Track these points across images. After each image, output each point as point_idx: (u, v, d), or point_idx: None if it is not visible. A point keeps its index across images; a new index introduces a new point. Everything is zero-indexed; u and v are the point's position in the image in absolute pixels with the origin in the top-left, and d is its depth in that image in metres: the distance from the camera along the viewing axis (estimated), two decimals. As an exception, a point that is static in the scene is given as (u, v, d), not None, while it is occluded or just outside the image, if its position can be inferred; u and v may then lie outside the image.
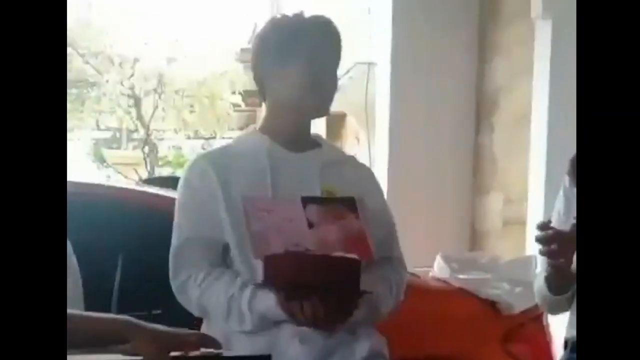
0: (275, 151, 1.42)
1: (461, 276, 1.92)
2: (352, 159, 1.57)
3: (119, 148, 13.11)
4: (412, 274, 2.03)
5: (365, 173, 1.54)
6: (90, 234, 1.84)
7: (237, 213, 1.30)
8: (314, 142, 1.49)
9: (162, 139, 12.29)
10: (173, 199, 1.72)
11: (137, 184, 2.88)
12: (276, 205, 1.31)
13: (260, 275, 1.23)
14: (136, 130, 11.30)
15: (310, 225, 1.31)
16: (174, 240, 1.38)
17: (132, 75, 10.31)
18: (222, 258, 1.37)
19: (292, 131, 1.43)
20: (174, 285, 1.36)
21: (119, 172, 11.83)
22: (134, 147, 12.31)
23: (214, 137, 11.80)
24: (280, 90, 1.41)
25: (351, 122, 8.42)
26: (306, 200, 1.34)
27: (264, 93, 1.45)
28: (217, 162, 1.41)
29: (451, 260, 1.99)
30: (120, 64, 10.40)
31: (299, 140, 1.45)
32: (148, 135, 10.71)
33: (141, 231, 1.97)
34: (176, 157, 13.48)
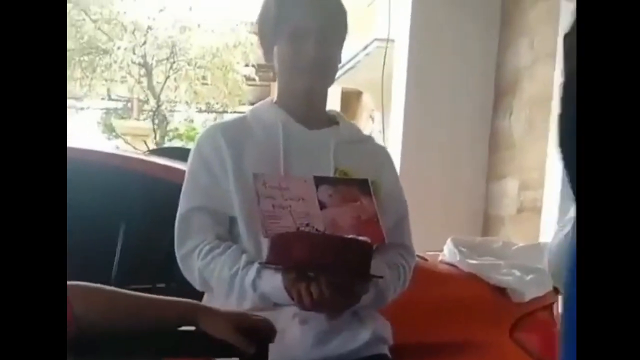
0: (290, 126, 1.42)
1: (471, 261, 1.91)
2: (370, 139, 1.57)
3: (129, 118, 13.11)
4: (420, 257, 2.04)
5: (382, 155, 1.54)
6: (91, 202, 1.86)
7: (247, 188, 1.31)
8: (332, 120, 1.49)
9: (173, 111, 12.24)
10: (179, 170, 1.76)
11: (143, 154, 2.88)
12: (288, 184, 1.32)
13: (266, 254, 1.25)
14: (147, 100, 11.26)
15: (322, 205, 1.32)
16: (181, 208, 1.39)
17: (144, 43, 10.24)
18: (229, 232, 1.38)
19: (305, 107, 1.43)
20: (179, 254, 1.37)
21: (127, 143, 11.86)
22: (144, 118, 12.27)
23: (226, 111, 11.77)
24: (277, 59, 1.42)
25: (367, 101, 8.38)
26: (319, 180, 1.35)
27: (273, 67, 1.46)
28: (230, 133, 1.41)
29: (461, 244, 1.99)
30: (133, 32, 10.33)
31: (315, 117, 1.45)
32: (159, 105, 10.67)
33: (145, 201, 1.97)
34: (187, 129, 13.42)
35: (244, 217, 1.35)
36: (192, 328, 1.05)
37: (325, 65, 1.40)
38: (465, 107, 4.36)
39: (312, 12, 1.38)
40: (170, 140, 13.17)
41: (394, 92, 4.82)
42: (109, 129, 14.04)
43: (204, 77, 10.98)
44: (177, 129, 13.26)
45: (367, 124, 8.56)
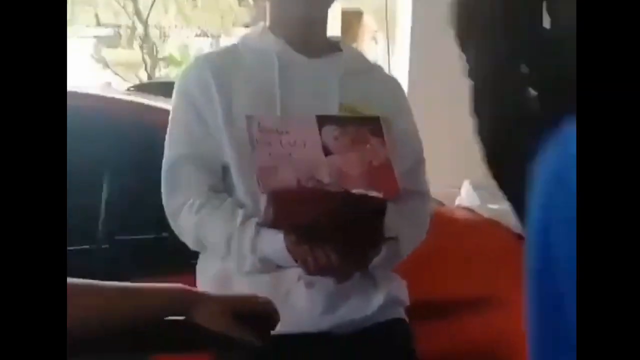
0: (287, 55, 1.22)
1: (492, 206, 1.74)
2: (378, 68, 1.36)
3: (118, 47, 12.66)
4: (437, 201, 1.86)
5: (393, 87, 1.34)
6: (70, 150, 1.68)
7: (240, 131, 1.13)
8: (333, 46, 1.29)
9: (165, 37, 11.79)
10: (167, 111, 1.57)
11: (127, 91, 2.66)
12: (286, 126, 1.13)
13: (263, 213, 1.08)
14: (134, 27, 10.81)
15: (327, 151, 1.14)
16: (166, 157, 1.21)
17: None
18: (223, 181, 1.21)
19: (303, 32, 1.23)
20: (167, 210, 1.20)
21: (117, 75, 11.47)
22: (136, 46, 11.84)
23: (219, 36, 11.33)
24: None
25: (368, 21, 8.03)
26: (322, 120, 1.16)
27: None
28: (218, 66, 1.21)
29: (481, 187, 1.82)
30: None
31: (315, 43, 1.25)
32: (146, 33, 10.23)
33: (129, 147, 1.80)
34: (183, 56, 12.98)
35: (237, 166, 1.17)
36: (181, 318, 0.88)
37: None
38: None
39: None
40: (166, 67, 12.78)
41: (399, 11, 4.53)
42: (102, 60, 13.63)
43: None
44: (171, 56, 12.78)
45: (370, 47, 8.25)
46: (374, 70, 1.33)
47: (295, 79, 1.21)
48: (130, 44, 12.31)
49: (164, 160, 1.21)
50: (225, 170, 1.19)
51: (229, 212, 1.15)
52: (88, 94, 1.94)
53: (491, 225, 1.73)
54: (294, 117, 1.15)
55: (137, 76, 10.58)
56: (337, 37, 1.32)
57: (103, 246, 1.76)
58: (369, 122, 1.19)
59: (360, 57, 1.33)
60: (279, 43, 1.22)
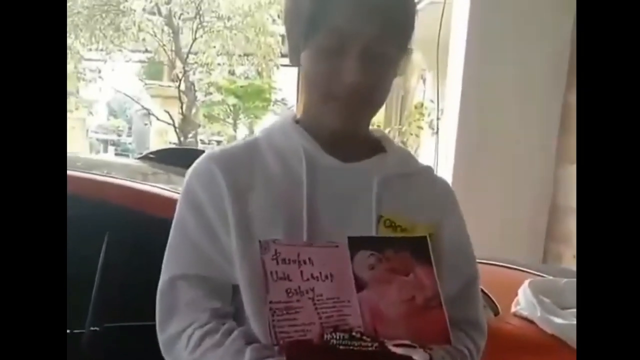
0: (318, 157, 1.04)
1: (556, 320, 1.48)
2: (427, 171, 1.16)
3: (160, 79, 12.90)
4: (489, 304, 1.63)
5: (443, 192, 1.15)
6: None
7: (254, 249, 0.95)
8: (375, 146, 1.11)
9: (210, 71, 11.84)
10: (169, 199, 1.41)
11: (139, 160, 2.54)
12: (310, 254, 0.95)
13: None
14: (173, 65, 10.96)
15: (360, 284, 0.95)
16: (164, 274, 1.04)
17: (169, 2, 9.90)
18: (232, 303, 1.03)
19: (339, 133, 1.04)
20: (161, 338, 1.03)
21: (149, 114, 11.48)
22: (174, 81, 12.01)
23: (261, 65, 11.33)
24: (303, 70, 1.02)
25: (417, 59, 7.87)
26: (356, 244, 0.97)
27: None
28: (233, 167, 1.04)
29: (543, 291, 1.57)
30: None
31: (352, 144, 1.07)
32: (185, 70, 10.32)
33: (126, 233, 1.68)
34: (228, 82, 12.97)
35: (249, 293, 0.99)
36: None
37: (371, 95, 1.00)
38: (534, 77, 3.86)
39: (366, 14, 0.95)
40: (209, 94, 12.83)
41: (451, 52, 4.35)
42: (144, 90, 13.92)
43: (231, 39, 10.60)
44: (217, 83, 12.76)
45: (418, 85, 8.08)
46: (420, 173, 1.14)
47: (327, 187, 1.04)
48: (169, 79, 12.51)
49: (161, 279, 1.05)
50: (235, 289, 1.01)
51: (235, 350, 0.96)
52: (86, 177, 1.81)
53: (556, 346, 1.47)
54: (320, 243, 0.97)
55: (169, 114, 10.66)
56: (379, 132, 1.14)
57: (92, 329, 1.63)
58: (414, 244, 1.00)
59: (405, 157, 1.14)
60: (309, 142, 1.05)
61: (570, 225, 3.70)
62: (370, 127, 1.13)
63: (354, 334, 0.87)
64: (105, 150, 21.24)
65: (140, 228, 1.65)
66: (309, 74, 1.01)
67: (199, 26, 10.43)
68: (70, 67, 11.71)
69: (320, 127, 1.05)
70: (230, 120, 14.76)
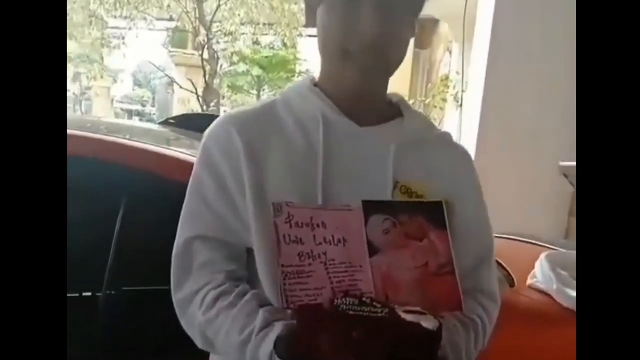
0: (335, 122, 1.03)
1: (573, 292, 1.47)
2: (446, 137, 1.14)
3: (184, 48, 12.88)
4: (505, 276, 1.62)
5: (461, 160, 1.13)
6: (83, 194, 1.58)
7: (267, 211, 0.95)
8: (394, 110, 1.10)
9: (234, 40, 11.79)
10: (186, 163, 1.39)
11: (160, 125, 2.54)
12: (324, 217, 0.94)
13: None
14: (197, 32, 10.93)
15: (373, 249, 0.95)
16: (180, 236, 1.05)
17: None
18: (247, 267, 1.03)
19: (357, 95, 1.03)
20: (175, 298, 1.04)
21: (173, 82, 11.46)
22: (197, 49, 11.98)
23: (286, 35, 11.22)
24: (318, 31, 1.02)
25: (444, 30, 7.75)
26: (370, 207, 0.96)
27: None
28: (251, 130, 1.03)
29: (560, 264, 1.55)
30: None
31: (370, 108, 1.06)
32: (209, 39, 10.28)
33: (144, 196, 1.69)
34: (253, 52, 12.91)
35: (263, 255, 0.99)
36: None
37: (388, 48, 0.99)
38: (560, 52, 3.77)
39: None
40: (235, 64, 12.78)
41: (479, 23, 4.27)
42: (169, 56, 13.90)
43: (256, 7, 10.52)
44: (241, 52, 12.70)
45: (444, 58, 7.97)
46: (438, 140, 1.12)
47: (343, 151, 1.03)
48: (194, 48, 12.48)
49: (176, 241, 1.05)
50: (250, 252, 1.02)
51: (248, 312, 0.97)
52: (102, 139, 1.81)
53: (570, 318, 1.45)
54: (334, 206, 0.96)
55: (192, 83, 10.64)
56: (397, 97, 1.12)
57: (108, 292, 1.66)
58: (429, 209, 0.99)
59: (423, 124, 1.12)
60: (327, 105, 1.04)
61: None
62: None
63: (364, 299, 0.86)
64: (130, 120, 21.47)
65: (158, 191, 1.66)
66: (325, 29, 1.00)
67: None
68: (95, 34, 11.76)
69: (338, 89, 1.04)
70: (254, 91, 14.74)
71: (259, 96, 15.33)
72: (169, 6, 10.81)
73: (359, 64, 0.98)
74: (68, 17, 11.23)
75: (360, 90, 1.02)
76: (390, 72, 1.04)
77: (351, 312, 0.83)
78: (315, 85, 1.08)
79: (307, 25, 1.08)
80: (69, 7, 11.06)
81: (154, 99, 23.16)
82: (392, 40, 0.98)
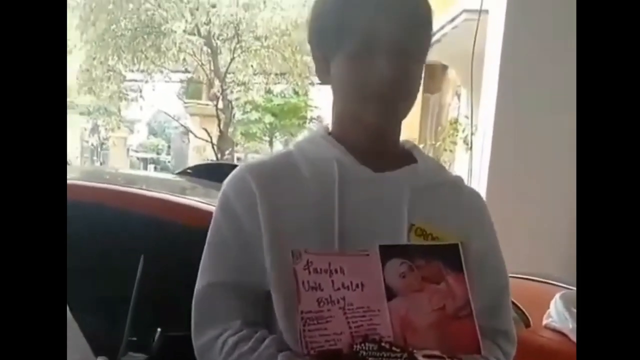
0: (349, 167, 1.05)
1: None
2: (457, 181, 1.16)
3: (199, 98, 13.11)
4: (520, 315, 1.60)
5: (474, 202, 1.14)
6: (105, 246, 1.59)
7: (286, 258, 0.96)
8: (407, 156, 1.12)
9: (247, 90, 11.99)
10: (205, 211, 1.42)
11: (176, 175, 2.58)
12: (342, 263, 0.95)
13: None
14: (211, 84, 11.17)
15: (390, 293, 0.95)
16: (200, 282, 1.06)
17: (208, 22, 10.10)
18: (264, 307, 1.04)
19: (371, 142, 1.06)
20: (196, 344, 1.05)
21: (188, 132, 11.60)
22: (212, 100, 12.19)
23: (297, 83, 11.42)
24: (335, 80, 1.05)
25: (452, 76, 7.85)
26: (387, 252, 0.97)
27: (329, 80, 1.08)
28: (267, 178, 1.06)
29: (573, 302, 1.54)
30: (196, 9, 10.22)
31: (384, 154, 1.08)
32: (223, 89, 10.49)
33: (165, 246, 1.69)
34: (265, 100, 13.11)
35: (283, 301, 1.00)
36: None
37: (403, 88, 1.02)
38: (569, 93, 3.77)
39: (387, 17, 1.00)
40: (248, 112, 12.97)
41: (486, 68, 4.32)
42: (183, 107, 14.14)
43: (268, 58, 10.74)
44: (253, 101, 12.93)
45: (453, 102, 8.04)
46: (452, 183, 1.14)
47: (359, 196, 1.04)
48: (208, 98, 12.69)
49: (197, 285, 1.07)
50: (268, 296, 1.02)
51: (267, 357, 0.97)
52: (122, 191, 1.84)
53: None
54: (352, 252, 0.97)
55: (207, 132, 10.78)
56: (410, 144, 1.14)
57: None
58: (446, 252, 0.99)
59: (436, 168, 1.14)
60: (342, 152, 1.06)
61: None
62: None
63: (383, 344, 0.86)
64: (145, 168, 21.68)
65: (177, 241, 1.67)
66: (341, 80, 1.04)
67: (237, 46, 10.62)
68: (112, 87, 12.01)
69: (354, 135, 1.07)
70: (266, 137, 14.92)
71: (271, 142, 15.48)
72: (184, 59, 11.07)
73: (379, 102, 1.01)
74: (87, 73, 11.51)
75: (377, 133, 1.05)
76: (405, 114, 1.07)
77: (370, 358, 0.83)
78: (329, 133, 1.11)
79: (320, 80, 1.11)
80: (88, 63, 11.34)
81: (168, 147, 23.43)
82: (407, 78, 1.02)
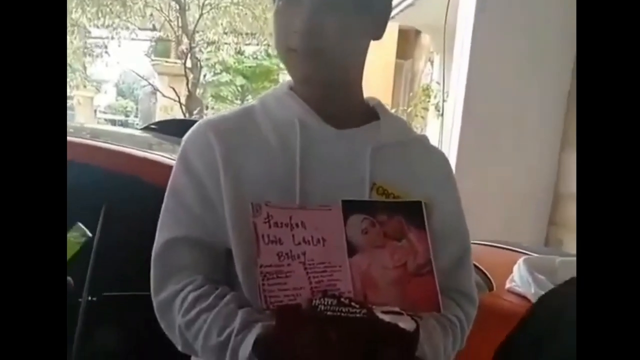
0: (311, 124, 1.04)
1: None
2: (422, 140, 1.14)
3: (167, 57, 12.84)
4: (484, 280, 1.63)
5: (438, 161, 1.14)
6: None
7: (247, 215, 0.94)
8: (370, 113, 1.10)
9: (217, 50, 11.75)
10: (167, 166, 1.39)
11: (141, 130, 2.53)
12: (303, 217, 0.94)
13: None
14: (180, 41, 10.93)
15: (352, 249, 0.94)
16: (160, 238, 1.04)
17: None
18: (227, 268, 1.02)
19: (329, 97, 1.04)
20: (155, 301, 1.03)
21: (155, 91, 11.38)
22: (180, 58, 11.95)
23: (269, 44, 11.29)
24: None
25: (425, 42, 7.82)
26: (349, 208, 0.96)
27: None
28: (228, 134, 1.03)
29: (538, 268, 1.56)
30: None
31: (346, 110, 1.06)
32: (192, 47, 10.25)
33: (125, 201, 1.67)
34: (237, 61, 12.89)
35: (242, 255, 0.98)
36: None
37: (325, 43, 0.97)
38: (542, 56, 3.82)
39: None
40: (218, 74, 12.74)
41: (458, 33, 4.31)
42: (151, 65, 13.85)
43: (239, 15, 10.53)
44: (224, 61, 12.68)
45: (425, 68, 8.03)
46: (415, 142, 1.12)
47: (320, 153, 1.03)
48: (176, 56, 12.44)
49: (155, 242, 1.04)
50: (229, 254, 1.01)
51: (227, 313, 0.96)
52: (86, 144, 1.80)
53: None
54: (313, 206, 0.96)
55: (175, 91, 10.59)
56: (374, 101, 1.12)
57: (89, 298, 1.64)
58: (408, 209, 0.99)
59: (400, 126, 1.13)
60: (304, 109, 1.04)
61: (573, 210, 3.68)
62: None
63: (342, 299, 0.86)
64: (113, 129, 21.35)
65: (138, 196, 1.64)
66: (274, 32, 1.03)
67: (206, 2, 10.36)
68: (76, 42, 11.68)
69: (311, 91, 1.04)
70: (237, 101, 14.74)
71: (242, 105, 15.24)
72: (151, 15, 10.78)
73: (300, 57, 0.99)
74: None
75: (321, 89, 1.03)
76: (346, 69, 1.03)
77: (329, 313, 0.82)
78: (291, 88, 1.08)
79: None
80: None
81: (137, 109, 23.06)
82: (331, 35, 0.97)
